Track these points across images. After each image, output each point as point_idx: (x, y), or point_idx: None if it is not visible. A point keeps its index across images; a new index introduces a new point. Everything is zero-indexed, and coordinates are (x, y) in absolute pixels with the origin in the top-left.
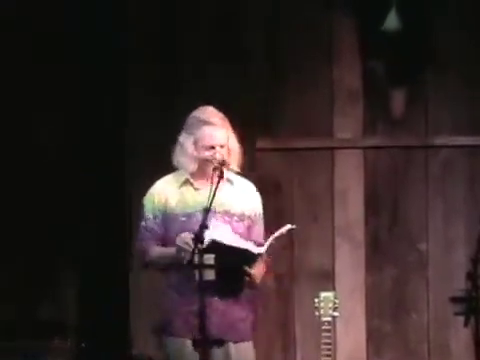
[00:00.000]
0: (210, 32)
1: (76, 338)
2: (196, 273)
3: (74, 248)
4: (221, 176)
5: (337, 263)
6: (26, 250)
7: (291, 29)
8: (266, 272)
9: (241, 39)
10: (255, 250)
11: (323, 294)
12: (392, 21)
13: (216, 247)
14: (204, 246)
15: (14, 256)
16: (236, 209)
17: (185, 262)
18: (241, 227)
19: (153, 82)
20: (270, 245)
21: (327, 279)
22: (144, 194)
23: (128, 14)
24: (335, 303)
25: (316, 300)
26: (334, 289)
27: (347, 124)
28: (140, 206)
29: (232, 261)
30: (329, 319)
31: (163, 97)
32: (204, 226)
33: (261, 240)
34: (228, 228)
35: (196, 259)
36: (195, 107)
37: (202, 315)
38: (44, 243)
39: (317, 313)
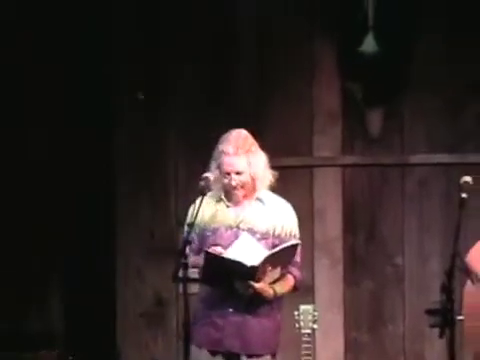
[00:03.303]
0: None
1: (64, 350)
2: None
3: (60, 263)
4: (204, 194)
5: (316, 277)
6: (13, 265)
7: (275, 53)
8: (295, 288)
9: (230, 65)
10: (247, 263)
11: (303, 307)
12: (369, 45)
13: (211, 260)
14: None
15: (2, 271)
16: (260, 227)
17: (174, 277)
18: (265, 245)
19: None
20: (269, 257)
21: (307, 292)
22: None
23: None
24: (314, 316)
25: (296, 313)
26: (313, 302)
27: (326, 143)
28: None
29: (233, 274)
30: (309, 331)
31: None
32: (187, 242)
33: (297, 259)
34: (254, 243)
35: (181, 273)
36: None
37: (217, 327)
38: (31, 258)
39: (297, 325)
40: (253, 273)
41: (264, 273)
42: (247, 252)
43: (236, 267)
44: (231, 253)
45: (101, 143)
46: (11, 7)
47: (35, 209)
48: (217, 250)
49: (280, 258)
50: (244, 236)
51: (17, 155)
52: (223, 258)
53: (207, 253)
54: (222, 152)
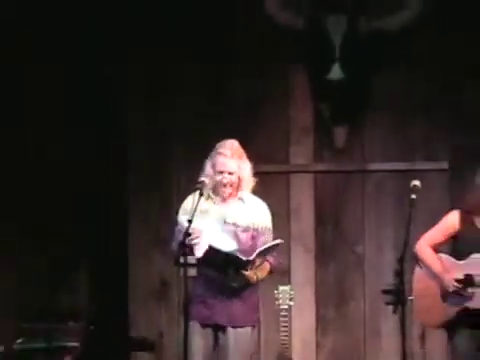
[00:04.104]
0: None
1: (86, 322)
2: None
3: (85, 250)
4: (201, 194)
5: (292, 263)
6: (47, 252)
7: (259, 80)
8: (270, 272)
9: (222, 90)
10: (244, 258)
11: (281, 287)
12: (336, 72)
13: (213, 252)
14: (204, 251)
15: (37, 257)
16: (242, 222)
17: (174, 261)
18: (245, 237)
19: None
20: (259, 254)
21: (285, 275)
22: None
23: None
24: (291, 294)
25: (276, 292)
26: (290, 283)
27: (300, 153)
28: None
29: (226, 264)
30: (286, 307)
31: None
32: (187, 233)
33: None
34: (229, 240)
35: (182, 259)
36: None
37: (207, 306)
38: (61, 246)
39: (277, 302)
40: (247, 265)
41: (253, 264)
42: (227, 244)
43: (233, 259)
44: (220, 245)
45: (101, 143)
46: (11, 7)
47: (62, 207)
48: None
49: (266, 252)
50: (222, 237)
51: (17, 155)
52: (225, 252)
53: (211, 247)
54: (219, 154)
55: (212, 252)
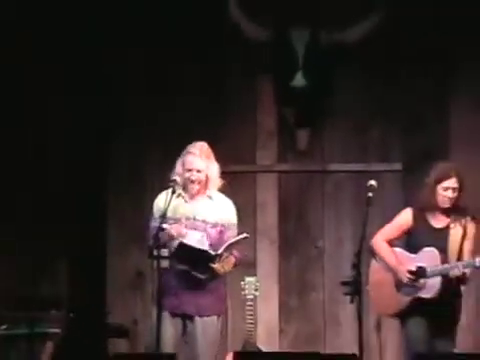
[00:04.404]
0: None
1: (66, 310)
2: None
3: (66, 244)
4: (173, 192)
5: (258, 255)
6: (29, 244)
7: (229, 88)
8: (235, 265)
9: (197, 97)
10: (212, 252)
11: (247, 278)
12: (299, 81)
13: (184, 248)
14: (175, 246)
15: (20, 249)
16: (210, 219)
17: (148, 254)
18: (214, 232)
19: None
20: (226, 248)
21: (251, 267)
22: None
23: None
24: (256, 285)
25: (242, 283)
26: (256, 274)
27: (266, 154)
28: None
29: (196, 258)
30: (252, 297)
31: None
32: (161, 229)
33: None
34: (199, 235)
35: (155, 252)
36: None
37: (177, 296)
38: (43, 239)
39: (243, 292)
40: (215, 258)
41: (221, 257)
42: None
43: (203, 254)
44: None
45: (100, 143)
46: (11, 7)
47: (45, 202)
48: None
49: (233, 246)
50: (192, 233)
51: (16, 154)
52: (195, 248)
53: (181, 243)
54: (189, 153)
55: (183, 247)
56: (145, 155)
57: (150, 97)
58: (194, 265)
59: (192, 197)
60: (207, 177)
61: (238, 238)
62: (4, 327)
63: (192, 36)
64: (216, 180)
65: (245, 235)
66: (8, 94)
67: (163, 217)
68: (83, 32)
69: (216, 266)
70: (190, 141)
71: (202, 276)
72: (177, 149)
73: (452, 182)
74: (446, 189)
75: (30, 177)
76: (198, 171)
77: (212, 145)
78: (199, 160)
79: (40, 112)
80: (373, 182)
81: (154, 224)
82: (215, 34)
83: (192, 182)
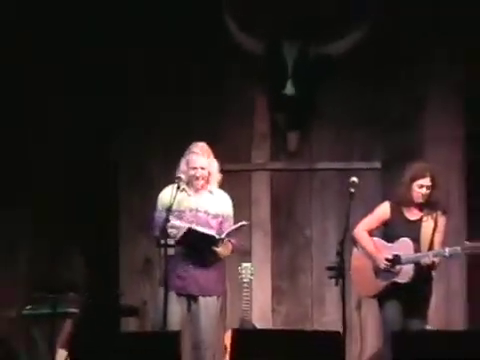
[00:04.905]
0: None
1: (84, 293)
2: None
3: (83, 234)
4: (178, 187)
5: (253, 244)
6: (50, 235)
7: (229, 95)
8: (232, 251)
9: (199, 99)
10: (217, 236)
11: (244, 264)
12: (289, 89)
13: (192, 232)
14: (184, 231)
15: (42, 238)
16: (211, 210)
17: (156, 243)
18: (214, 222)
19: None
20: (228, 234)
21: (246, 255)
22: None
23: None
24: (252, 270)
25: (239, 268)
26: (251, 261)
27: (260, 154)
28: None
29: (201, 242)
30: (248, 280)
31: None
32: (166, 220)
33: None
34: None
35: (162, 241)
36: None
37: (182, 278)
38: (62, 231)
39: (240, 276)
40: (219, 242)
41: (223, 241)
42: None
43: (208, 238)
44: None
45: (100, 143)
46: (11, 7)
47: (67, 201)
48: (174, 224)
49: (233, 232)
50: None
51: (16, 154)
52: (201, 232)
53: (190, 228)
54: (192, 152)
55: (191, 232)
56: (149, 154)
57: (150, 97)
58: (200, 248)
59: (196, 191)
60: (209, 173)
61: (237, 225)
62: (29, 307)
63: (192, 36)
64: (216, 175)
65: (243, 223)
66: (8, 94)
67: (169, 210)
68: (83, 32)
69: (219, 249)
70: (190, 140)
71: (207, 258)
72: (178, 148)
73: (426, 180)
74: (421, 186)
75: (42, 176)
76: (202, 168)
77: (211, 145)
78: (202, 158)
79: (40, 112)
80: (355, 179)
81: (159, 215)
82: (215, 35)
83: (197, 179)
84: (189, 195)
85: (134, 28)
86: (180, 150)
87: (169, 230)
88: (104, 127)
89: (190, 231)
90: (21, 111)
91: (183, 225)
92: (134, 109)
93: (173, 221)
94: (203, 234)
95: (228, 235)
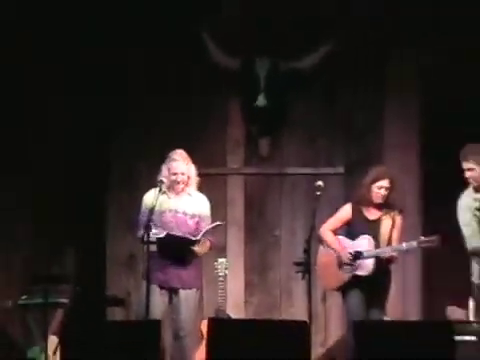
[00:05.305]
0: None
1: (73, 284)
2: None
3: (73, 232)
4: (160, 190)
5: (228, 241)
6: (44, 234)
7: (206, 107)
8: (210, 248)
9: (184, 113)
10: (193, 238)
11: (219, 259)
12: (261, 101)
13: (170, 237)
14: (163, 236)
15: (37, 236)
16: (189, 211)
17: (140, 240)
18: (192, 222)
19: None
20: (204, 233)
21: (222, 250)
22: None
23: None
24: (226, 265)
25: (215, 263)
26: (226, 256)
27: (234, 160)
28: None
29: (180, 244)
30: (223, 274)
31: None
32: (149, 219)
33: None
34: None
35: (145, 238)
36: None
37: (163, 272)
38: (54, 229)
39: (216, 271)
40: (195, 243)
41: (199, 242)
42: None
43: (186, 240)
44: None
45: (100, 143)
46: (11, 7)
47: (59, 201)
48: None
49: (209, 232)
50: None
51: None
52: (179, 236)
53: (169, 234)
54: (173, 160)
55: (170, 237)
56: (135, 157)
57: (150, 97)
58: (179, 249)
59: (176, 194)
60: (188, 177)
61: (213, 225)
62: (24, 297)
63: (192, 36)
64: (195, 179)
65: (218, 223)
66: (8, 94)
67: (152, 210)
68: (83, 32)
69: (197, 249)
70: (169, 147)
71: (186, 257)
72: (160, 152)
73: (385, 182)
74: (380, 188)
75: (40, 177)
76: (182, 174)
77: (190, 152)
78: (182, 164)
79: (40, 112)
80: (321, 183)
81: (142, 215)
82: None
83: (177, 183)
84: (169, 197)
85: (134, 28)
86: (160, 153)
87: (151, 236)
88: (104, 127)
89: (169, 236)
90: (21, 111)
91: (161, 233)
92: (131, 109)
93: (153, 230)
94: (181, 237)
95: (204, 235)
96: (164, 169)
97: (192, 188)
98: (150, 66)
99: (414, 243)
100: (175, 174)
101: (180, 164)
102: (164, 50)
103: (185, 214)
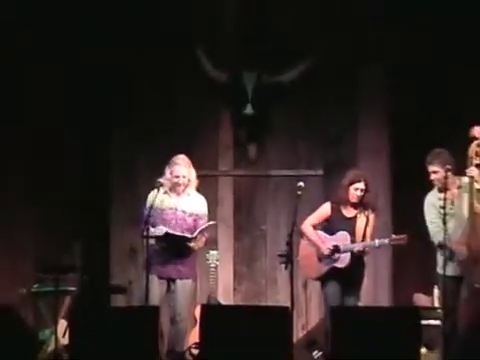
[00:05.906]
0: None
1: (81, 274)
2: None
3: (82, 229)
4: (158, 190)
5: (218, 235)
6: (53, 227)
7: (200, 115)
8: (206, 243)
9: (180, 124)
10: (189, 236)
11: (211, 252)
12: (249, 109)
13: (168, 234)
14: (161, 234)
15: (45, 230)
16: (188, 210)
17: (141, 235)
18: (190, 219)
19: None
20: (199, 232)
21: (213, 244)
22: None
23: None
24: (217, 257)
25: (207, 255)
26: (217, 249)
27: (225, 162)
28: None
29: (178, 242)
30: (214, 265)
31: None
32: (148, 215)
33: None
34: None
35: (145, 233)
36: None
37: (162, 264)
38: (63, 223)
39: (208, 262)
40: (191, 240)
41: (195, 239)
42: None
43: (183, 238)
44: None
45: (100, 143)
46: (11, 7)
47: (69, 199)
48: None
49: (203, 230)
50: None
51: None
52: (178, 235)
53: (167, 233)
54: (175, 164)
55: (168, 235)
56: (135, 157)
57: (150, 97)
58: (177, 245)
59: (177, 195)
60: (189, 180)
61: (207, 225)
62: (36, 285)
63: (191, 36)
64: (194, 181)
65: (212, 222)
66: (8, 94)
67: (151, 208)
68: (83, 32)
69: (192, 245)
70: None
71: (184, 252)
72: (160, 152)
73: (361, 184)
74: (356, 189)
75: (50, 179)
76: (183, 177)
77: (186, 155)
78: (184, 168)
79: (40, 112)
80: (302, 183)
81: (145, 212)
82: (187, 79)
83: (179, 185)
84: (171, 197)
85: (134, 28)
86: (161, 157)
87: (151, 232)
88: (104, 126)
89: (167, 234)
90: (21, 111)
91: (161, 231)
92: (131, 109)
93: (157, 227)
94: (179, 236)
95: (200, 232)
96: (167, 172)
97: (192, 189)
98: (150, 66)
99: (386, 240)
100: (177, 177)
101: (182, 168)
102: (164, 50)
103: (184, 212)
